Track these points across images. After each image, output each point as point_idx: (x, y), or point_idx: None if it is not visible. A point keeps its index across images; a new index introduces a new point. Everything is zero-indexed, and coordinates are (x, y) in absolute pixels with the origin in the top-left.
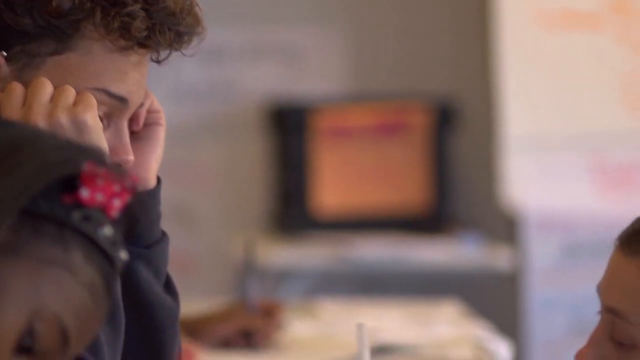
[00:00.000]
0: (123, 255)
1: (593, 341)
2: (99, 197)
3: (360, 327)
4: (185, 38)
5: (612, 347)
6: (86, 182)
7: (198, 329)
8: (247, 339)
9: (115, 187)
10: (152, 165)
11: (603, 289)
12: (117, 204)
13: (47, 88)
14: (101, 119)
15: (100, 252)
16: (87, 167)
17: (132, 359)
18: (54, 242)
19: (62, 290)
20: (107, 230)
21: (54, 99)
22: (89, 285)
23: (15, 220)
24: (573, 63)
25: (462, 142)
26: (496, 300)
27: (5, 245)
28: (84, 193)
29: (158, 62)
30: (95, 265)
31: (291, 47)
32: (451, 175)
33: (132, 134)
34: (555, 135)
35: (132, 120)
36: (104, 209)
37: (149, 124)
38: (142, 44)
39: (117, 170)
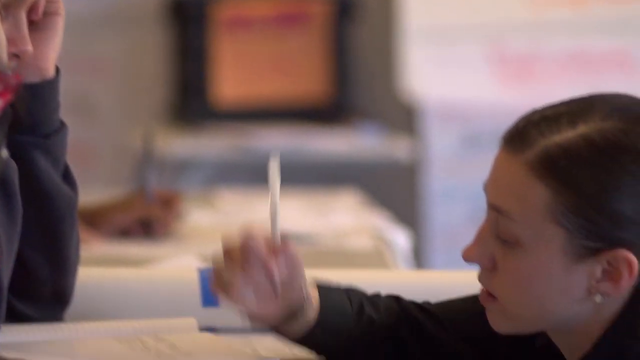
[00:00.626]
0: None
1: (479, 238)
2: None
3: (272, 161)
4: None
5: (497, 244)
6: None
7: (97, 219)
8: (146, 228)
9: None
10: (50, 55)
11: (488, 187)
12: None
13: None
14: None
15: None
16: None
17: (31, 248)
18: None
19: None
20: None
21: None
22: None
23: None
24: None
25: (362, 33)
26: (395, 190)
27: None
28: None
29: None
30: None
31: None
32: (351, 66)
33: (31, 24)
34: (455, 26)
35: (31, 10)
36: None
37: (48, 14)
38: None
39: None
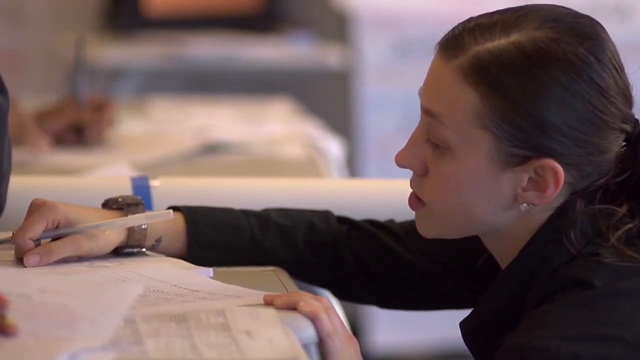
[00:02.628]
0: None
1: (411, 142)
2: None
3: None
4: None
5: (429, 148)
6: None
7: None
8: (78, 134)
9: None
10: None
11: (422, 92)
12: None
13: None
14: None
15: None
16: None
17: None
18: None
19: None
20: None
21: None
22: None
23: None
24: None
25: None
26: (328, 98)
27: None
28: None
29: None
30: None
31: None
32: None
33: None
34: None
35: None
36: None
37: None
38: None
39: None
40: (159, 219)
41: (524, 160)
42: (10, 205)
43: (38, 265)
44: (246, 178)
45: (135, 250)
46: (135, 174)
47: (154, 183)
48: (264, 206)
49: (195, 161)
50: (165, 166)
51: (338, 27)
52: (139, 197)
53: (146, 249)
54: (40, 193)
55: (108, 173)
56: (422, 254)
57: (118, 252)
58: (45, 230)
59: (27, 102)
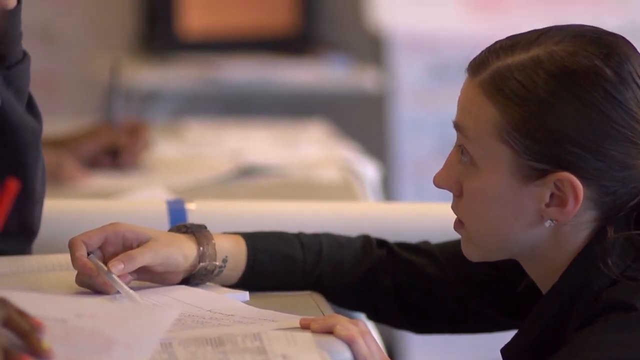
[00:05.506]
0: None
1: (447, 163)
2: None
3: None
4: None
5: (462, 166)
6: None
7: (63, 148)
8: (114, 158)
9: None
10: None
11: (456, 110)
12: None
13: None
14: None
15: None
16: None
17: None
18: None
19: None
20: None
21: None
22: None
23: None
24: None
25: None
26: (363, 122)
27: None
28: None
29: None
30: None
31: None
32: None
33: None
34: None
35: None
36: None
37: None
38: None
39: None
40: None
41: (543, 174)
42: (45, 229)
43: (122, 272)
44: (281, 201)
45: (207, 265)
46: (171, 197)
47: (190, 206)
48: (300, 230)
49: (231, 184)
50: (201, 189)
51: (373, 50)
52: (203, 224)
53: (215, 271)
54: (75, 217)
55: (144, 196)
56: (460, 277)
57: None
58: (109, 244)
59: (61, 124)
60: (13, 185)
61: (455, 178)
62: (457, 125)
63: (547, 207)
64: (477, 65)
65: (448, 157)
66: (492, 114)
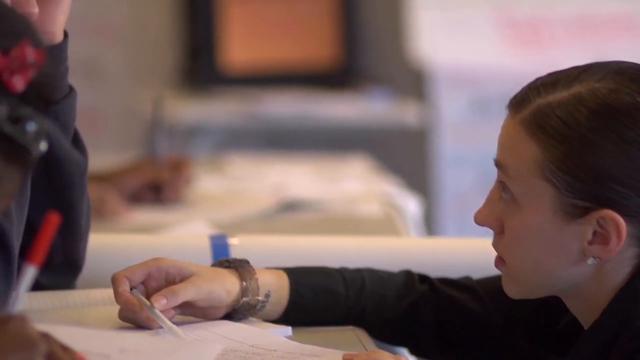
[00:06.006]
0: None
1: (488, 200)
2: None
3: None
4: None
5: (503, 205)
6: None
7: (107, 183)
8: (156, 193)
9: (13, 64)
10: (58, 19)
11: (497, 148)
12: (17, 81)
13: None
14: None
15: None
16: None
17: (41, 215)
18: None
19: None
20: (3, 109)
21: None
22: None
23: None
24: None
25: None
26: (405, 156)
27: None
28: None
29: None
30: None
31: None
32: (360, 30)
33: None
34: None
35: None
36: (4, 87)
37: None
38: None
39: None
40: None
41: (585, 211)
42: (89, 263)
43: (165, 307)
44: (324, 236)
45: (250, 300)
46: (214, 231)
47: (233, 241)
48: (341, 264)
49: (273, 219)
50: (243, 224)
51: (415, 84)
52: (246, 259)
53: (257, 306)
54: (118, 252)
55: (186, 231)
56: (502, 313)
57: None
58: (152, 280)
59: (104, 159)
60: (54, 219)
61: (497, 215)
62: (498, 163)
63: (589, 245)
64: (518, 103)
65: (489, 195)
66: (534, 151)
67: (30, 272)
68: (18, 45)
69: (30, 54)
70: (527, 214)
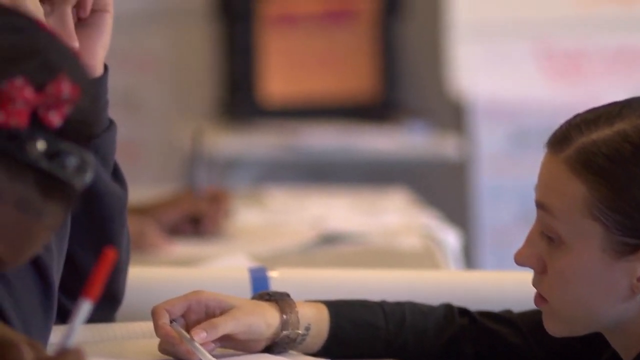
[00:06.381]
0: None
1: (529, 239)
2: (14, 122)
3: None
4: None
5: (545, 245)
6: (3, 104)
7: (146, 216)
8: (195, 225)
9: (49, 100)
10: (98, 52)
11: (536, 187)
12: (53, 117)
13: None
14: (43, 5)
15: (30, 166)
16: (6, 86)
17: (81, 248)
18: None
19: None
20: (40, 145)
21: None
22: (16, 202)
23: None
24: None
25: (410, 29)
26: (444, 189)
27: None
28: None
29: None
30: (24, 180)
31: None
32: (399, 63)
33: (79, 20)
34: (502, 22)
35: (79, 7)
36: (41, 123)
37: (96, 11)
38: None
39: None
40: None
41: (635, 248)
42: (128, 296)
43: (205, 340)
44: (363, 269)
45: (290, 333)
46: (253, 264)
47: (272, 274)
48: (381, 298)
49: (313, 252)
50: (283, 257)
51: (454, 117)
52: (286, 292)
53: (297, 339)
54: (157, 284)
55: (225, 264)
56: (542, 347)
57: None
58: (192, 312)
59: (144, 192)
60: (111, 255)
61: (538, 255)
62: (540, 204)
63: (638, 282)
64: (559, 141)
65: (529, 234)
66: (580, 191)
67: (85, 307)
68: (55, 81)
69: (66, 89)
70: (574, 254)
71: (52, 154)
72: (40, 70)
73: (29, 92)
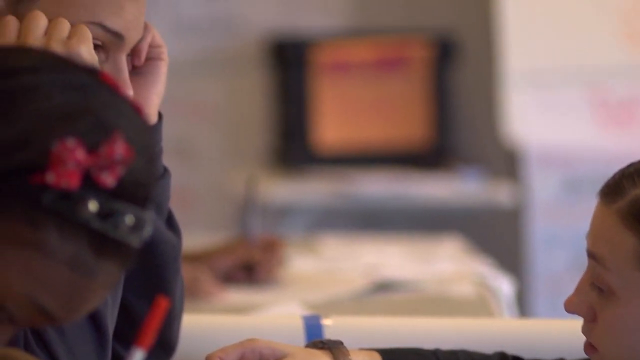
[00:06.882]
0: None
1: (579, 289)
2: (65, 183)
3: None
4: None
5: (595, 294)
6: (54, 166)
7: (199, 263)
8: (248, 273)
9: (101, 162)
10: (153, 100)
11: (587, 236)
12: (106, 178)
13: (40, 21)
14: (98, 53)
15: (82, 226)
16: (57, 147)
17: (135, 296)
18: (22, 224)
19: (31, 271)
20: (92, 206)
21: (48, 32)
22: (68, 261)
23: None
24: None
25: (463, 77)
26: (498, 236)
27: None
28: (49, 177)
29: None
30: (77, 240)
31: None
32: (452, 110)
33: (134, 68)
34: (556, 70)
35: (134, 55)
36: (94, 183)
37: (151, 59)
38: None
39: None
40: None
41: None
42: (182, 344)
43: None
44: (417, 317)
45: None
46: (307, 312)
47: (326, 322)
48: (435, 346)
49: (366, 300)
50: (336, 305)
51: (508, 164)
52: (340, 340)
53: None
54: (211, 332)
55: (279, 312)
56: None
57: None
58: None
59: (197, 239)
60: (163, 304)
61: (588, 304)
62: (592, 254)
63: None
64: (612, 192)
65: (579, 282)
66: (632, 244)
67: (138, 356)
68: (109, 141)
69: (119, 151)
70: (625, 305)
71: (105, 214)
72: (93, 129)
73: (80, 154)
